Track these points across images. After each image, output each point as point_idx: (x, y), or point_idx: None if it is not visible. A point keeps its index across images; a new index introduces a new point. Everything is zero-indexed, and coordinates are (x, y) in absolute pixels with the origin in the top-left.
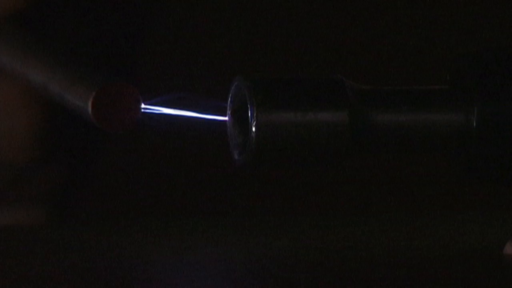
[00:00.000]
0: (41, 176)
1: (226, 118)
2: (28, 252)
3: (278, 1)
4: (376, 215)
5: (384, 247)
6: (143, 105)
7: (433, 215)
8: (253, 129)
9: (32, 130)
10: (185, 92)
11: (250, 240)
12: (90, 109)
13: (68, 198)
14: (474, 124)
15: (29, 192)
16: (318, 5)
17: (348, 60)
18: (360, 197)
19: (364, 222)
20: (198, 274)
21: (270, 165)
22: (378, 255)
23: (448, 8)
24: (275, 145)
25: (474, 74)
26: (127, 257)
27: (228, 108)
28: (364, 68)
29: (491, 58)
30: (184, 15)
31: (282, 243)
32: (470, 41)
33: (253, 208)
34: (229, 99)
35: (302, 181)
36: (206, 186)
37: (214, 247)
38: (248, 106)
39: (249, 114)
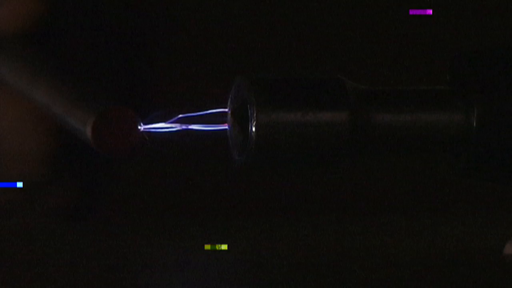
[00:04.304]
0: (53, 192)
1: (226, 127)
2: (30, 253)
3: (278, 1)
4: (376, 215)
5: (384, 247)
6: (142, 126)
7: (433, 215)
8: (253, 129)
9: (43, 148)
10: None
11: (252, 241)
12: (89, 134)
13: (80, 213)
14: (474, 124)
15: (42, 207)
16: (318, 5)
17: (348, 60)
18: (360, 197)
19: (364, 222)
20: (199, 274)
21: (270, 165)
22: (378, 255)
23: (448, 8)
24: (275, 145)
25: (474, 74)
26: (127, 258)
27: (228, 108)
28: (364, 68)
29: (491, 58)
30: (183, 15)
31: (282, 243)
32: (470, 41)
33: (254, 209)
34: (229, 99)
35: (302, 182)
36: (206, 186)
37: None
38: (248, 106)
39: (249, 114)
